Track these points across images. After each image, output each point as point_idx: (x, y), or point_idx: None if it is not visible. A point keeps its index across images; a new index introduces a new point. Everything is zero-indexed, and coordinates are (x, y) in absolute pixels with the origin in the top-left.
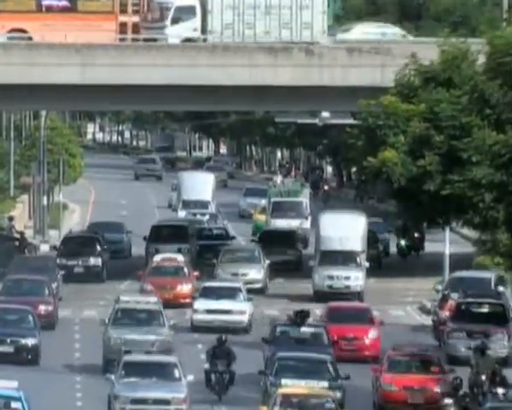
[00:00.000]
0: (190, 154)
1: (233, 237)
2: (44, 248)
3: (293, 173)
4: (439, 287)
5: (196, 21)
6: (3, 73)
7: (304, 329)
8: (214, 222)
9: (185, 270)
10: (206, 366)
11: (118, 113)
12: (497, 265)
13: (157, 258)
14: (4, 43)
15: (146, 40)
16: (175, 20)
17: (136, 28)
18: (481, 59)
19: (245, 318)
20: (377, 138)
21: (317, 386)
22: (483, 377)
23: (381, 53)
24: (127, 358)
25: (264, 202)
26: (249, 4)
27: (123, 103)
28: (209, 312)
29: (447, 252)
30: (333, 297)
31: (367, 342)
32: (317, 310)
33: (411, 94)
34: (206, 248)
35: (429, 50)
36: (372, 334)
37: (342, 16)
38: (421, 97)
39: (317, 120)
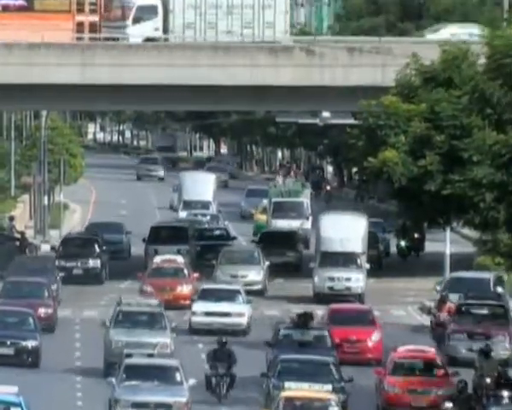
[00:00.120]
0: (191, 154)
1: (234, 238)
2: (45, 247)
3: (292, 173)
4: (438, 288)
5: (158, 21)
6: (3, 73)
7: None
8: (216, 223)
9: (185, 271)
10: (207, 368)
11: (118, 113)
12: (498, 265)
13: (157, 259)
14: (4, 43)
15: (107, 39)
16: (136, 20)
17: (93, 27)
18: (482, 59)
19: (244, 320)
20: (378, 138)
21: (320, 389)
22: (487, 380)
23: (382, 53)
24: (128, 361)
25: (265, 202)
26: (211, 4)
27: (123, 103)
28: (208, 314)
29: (448, 252)
30: (333, 299)
31: (370, 344)
32: (319, 311)
33: (412, 94)
34: (207, 249)
35: (430, 50)
36: (375, 336)
37: (343, 15)
38: (422, 97)
39: (317, 120)
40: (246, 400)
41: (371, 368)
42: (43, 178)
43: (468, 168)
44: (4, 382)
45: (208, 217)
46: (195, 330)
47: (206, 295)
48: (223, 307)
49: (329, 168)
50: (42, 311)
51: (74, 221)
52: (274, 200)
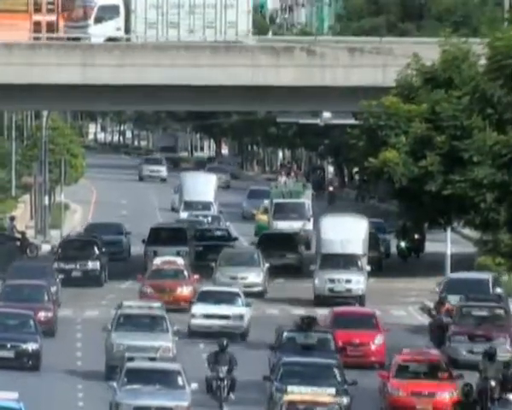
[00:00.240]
0: (192, 154)
1: (235, 239)
2: (46, 247)
3: (293, 174)
4: (437, 289)
5: (120, 21)
6: (4, 73)
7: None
8: (217, 223)
9: (185, 273)
10: (208, 371)
11: (119, 113)
12: (499, 265)
13: (157, 261)
14: (5, 43)
15: (69, 39)
16: (98, 20)
17: (50, 27)
18: (482, 59)
19: (243, 323)
20: (378, 139)
21: (323, 393)
22: (492, 383)
23: (383, 53)
24: (130, 365)
25: (266, 202)
26: (173, 3)
27: (124, 103)
28: (207, 317)
29: (448, 252)
30: (334, 301)
31: (373, 347)
32: (320, 312)
33: (412, 94)
34: (209, 249)
35: (431, 50)
36: (378, 340)
37: (344, 16)
38: (422, 98)
39: (318, 121)
40: (246, 403)
41: (374, 371)
42: (44, 178)
43: (468, 169)
44: (4, 385)
45: (209, 218)
46: (194, 333)
47: (205, 298)
48: (222, 309)
49: (330, 168)
50: (42, 314)
51: (75, 221)
52: (275, 201)
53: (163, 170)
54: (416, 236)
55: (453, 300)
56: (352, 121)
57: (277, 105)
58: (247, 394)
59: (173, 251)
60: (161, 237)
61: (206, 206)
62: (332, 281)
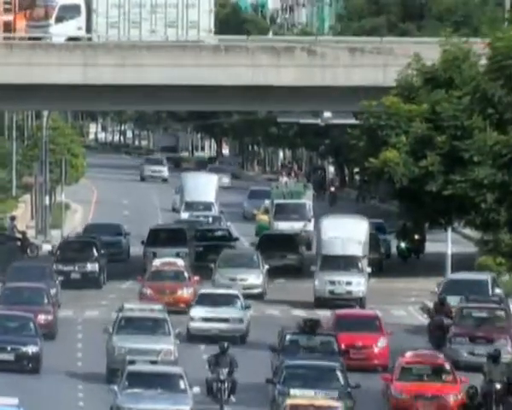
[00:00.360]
0: (193, 154)
1: (236, 239)
2: (46, 247)
3: (293, 174)
4: (436, 290)
5: (81, 20)
6: (4, 73)
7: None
8: (218, 224)
9: (185, 274)
10: (208, 373)
11: (120, 113)
12: (500, 265)
13: (156, 262)
14: (5, 43)
15: (30, 39)
16: (59, 19)
17: (7, 27)
18: (483, 59)
19: (242, 326)
20: (379, 139)
21: (326, 396)
22: (497, 386)
23: (384, 53)
24: (131, 368)
25: (267, 202)
26: (135, 3)
27: (125, 103)
28: (206, 320)
29: (449, 252)
30: (334, 303)
31: (376, 350)
32: (321, 314)
33: (413, 94)
34: (209, 250)
35: (431, 50)
36: (381, 342)
37: (344, 16)
38: (423, 98)
39: (319, 120)
40: (247, 404)
41: (377, 374)
42: (45, 178)
43: (469, 169)
44: (4, 389)
45: (210, 218)
46: (193, 336)
47: (204, 300)
48: (221, 312)
49: (331, 168)
50: (42, 317)
51: (75, 221)
52: (276, 201)
53: (164, 170)
54: (417, 236)
55: (452, 301)
56: (352, 121)
57: (278, 105)
58: (247, 396)
59: (172, 252)
60: (160, 238)
61: (207, 206)
62: (332, 283)
